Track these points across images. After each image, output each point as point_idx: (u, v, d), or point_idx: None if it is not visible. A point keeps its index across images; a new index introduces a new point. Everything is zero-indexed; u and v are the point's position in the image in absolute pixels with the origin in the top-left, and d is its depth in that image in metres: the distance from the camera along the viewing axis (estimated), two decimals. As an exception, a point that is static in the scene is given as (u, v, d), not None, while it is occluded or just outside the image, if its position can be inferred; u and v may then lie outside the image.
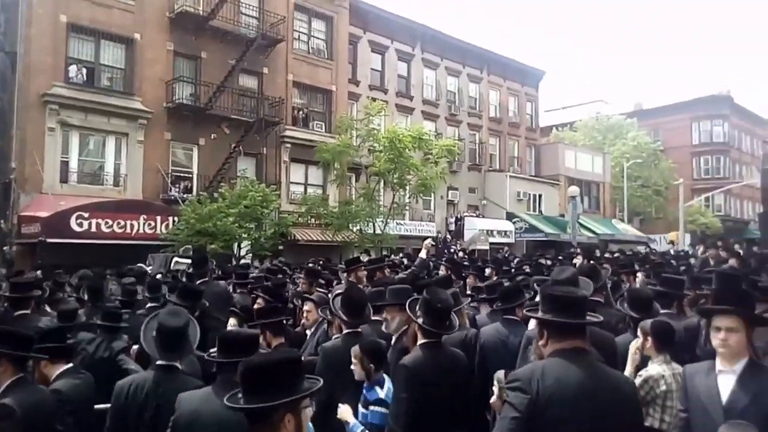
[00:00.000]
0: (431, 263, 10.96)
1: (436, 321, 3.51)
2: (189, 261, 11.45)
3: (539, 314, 2.62)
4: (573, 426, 2.33)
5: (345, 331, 4.18)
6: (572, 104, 50.24)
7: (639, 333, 3.78)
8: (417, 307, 3.65)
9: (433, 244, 8.64)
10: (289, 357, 2.24)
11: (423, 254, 7.72)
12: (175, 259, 13.05)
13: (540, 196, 33.52)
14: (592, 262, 11.47)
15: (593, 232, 32.57)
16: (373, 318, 4.45)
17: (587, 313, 2.62)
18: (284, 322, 4.65)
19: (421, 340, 3.54)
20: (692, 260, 13.37)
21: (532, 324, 4.03)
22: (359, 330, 4.16)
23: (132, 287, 6.83)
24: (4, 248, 16.93)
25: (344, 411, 3.52)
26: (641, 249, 26.07)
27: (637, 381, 3.52)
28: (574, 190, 26.68)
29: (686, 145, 46.86)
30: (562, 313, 2.52)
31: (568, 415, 2.33)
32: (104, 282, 8.61)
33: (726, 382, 2.88)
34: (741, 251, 15.33)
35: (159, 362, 3.23)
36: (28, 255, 15.99)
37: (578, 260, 12.16)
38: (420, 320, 3.51)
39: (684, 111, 46.81)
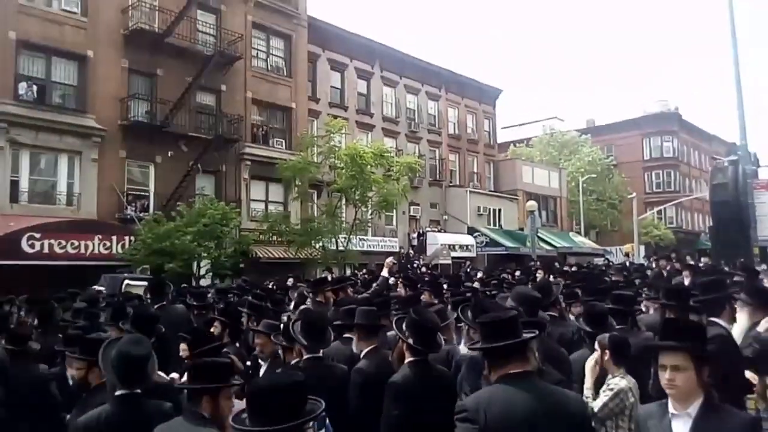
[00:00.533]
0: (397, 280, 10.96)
1: (423, 340, 3.55)
2: (142, 283, 11.07)
3: (477, 344, 2.66)
4: None
5: (305, 356, 4.05)
6: (528, 121, 51.41)
7: (597, 347, 3.77)
8: (404, 326, 3.69)
9: (395, 262, 8.64)
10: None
11: (385, 272, 7.69)
12: (126, 281, 12.42)
13: (500, 210, 34.04)
14: (551, 276, 11.73)
15: (552, 245, 33.17)
16: (345, 336, 4.44)
17: (522, 331, 2.62)
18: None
19: (408, 359, 3.59)
20: (648, 272, 13.71)
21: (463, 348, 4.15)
22: (320, 354, 4.09)
23: (94, 311, 6.59)
24: (-52, 272, 16.14)
25: None
26: (599, 261, 26.70)
27: (608, 394, 3.53)
28: (532, 204, 27.16)
29: (638, 160, 48.53)
30: (497, 338, 2.54)
31: None
32: (55, 307, 8.32)
33: (681, 428, 2.53)
34: (693, 262, 15.90)
35: (119, 392, 3.09)
36: (-25, 279, 15.30)
37: (540, 274, 12.39)
38: (410, 340, 3.56)
39: (635, 127, 48.58)
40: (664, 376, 2.55)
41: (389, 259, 8.00)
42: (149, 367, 3.20)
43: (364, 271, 17.34)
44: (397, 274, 13.18)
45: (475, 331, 3.39)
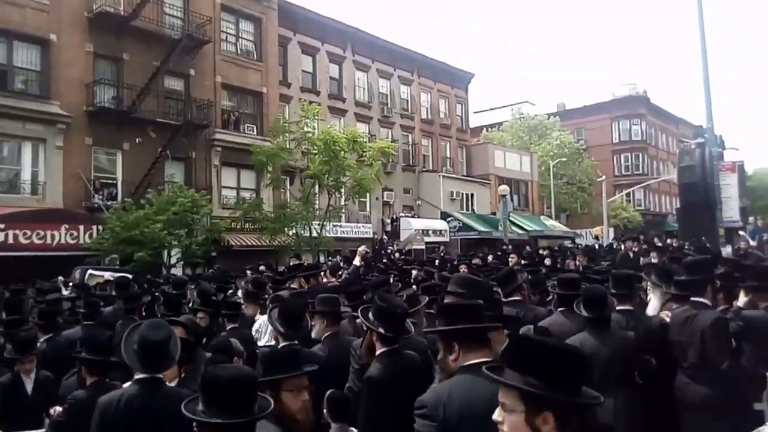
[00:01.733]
0: (371, 266, 10.99)
1: (394, 327, 3.39)
2: (105, 273, 10.86)
3: (443, 327, 2.55)
4: None
5: (282, 343, 4.05)
6: (500, 105, 51.62)
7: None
8: (370, 315, 3.51)
9: (368, 251, 8.64)
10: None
11: (357, 261, 7.69)
12: (90, 271, 12.09)
13: (472, 195, 34.25)
14: (523, 261, 11.86)
15: (523, 229, 33.55)
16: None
17: (485, 320, 2.59)
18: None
19: (380, 349, 3.41)
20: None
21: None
22: (296, 342, 4.08)
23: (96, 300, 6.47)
24: None
25: None
26: (567, 243, 27.13)
27: None
28: (504, 189, 27.42)
29: (607, 143, 49.22)
30: (467, 321, 2.49)
31: None
32: (23, 298, 8.14)
33: None
34: (660, 243, 16.24)
35: (140, 376, 3.12)
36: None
37: (513, 259, 12.50)
38: (380, 329, 3.39)
39: (604, 111, 49.19)
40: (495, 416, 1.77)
41: (362, 248, 8.00)
42: (171, 350, 3.19)
43: (338, 257, 17.32)
44: (373, 262, 13.25)
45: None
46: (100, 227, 16.96)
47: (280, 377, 2.54)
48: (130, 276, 10.07)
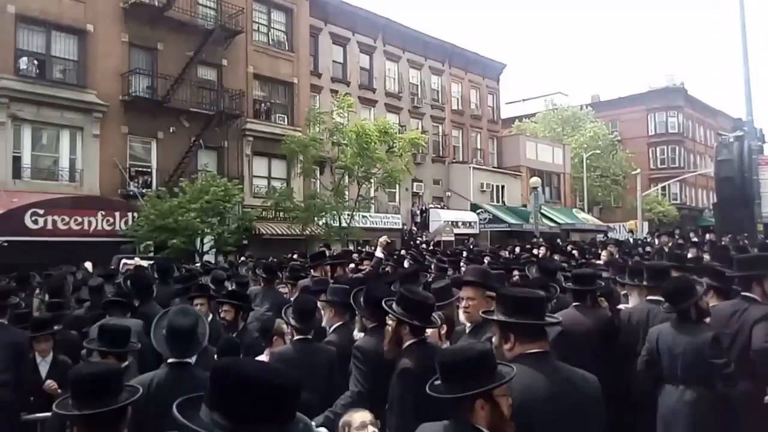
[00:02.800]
0: (397, 256, 10.98)
1: (425, 318, 3.35)
2: (136, 259, 11.06)
3: (501, 317, 2.56)
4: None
5: (296, 337, 4.10)
6: (532, 96, 50.98)
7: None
8: (396, 307, 3.42)
9: (389, 241, 8.59)
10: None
11: (378, 252, 7.66)
12: (123, 260, 12.26)
13: (503, 187, 33.94)
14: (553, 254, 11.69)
15: (555, 222, 33.14)
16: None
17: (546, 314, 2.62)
18: None
19: (410, 340, 3.32)
20: (648, 249, 13.66)
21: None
22: (309, 336, 4.11)
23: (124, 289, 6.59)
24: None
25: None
26: (600, 237, 26.70)
27: None
28: (535, 180, 27.07)
29: (642, 135, 48.11)
30: (528, 316, 2.51)
31: (535, 424, 2.31)
32: (65, 281, 8.37)
33: None
34: (696, 239, 15.85)
35: (171, 360, 3.25)
36: (-20, 255, 15.37)
37: (542, 251, 12.35)
38: (414, 320, 3.33)
39: (640, 102, 48.05)
40: None
41: (382, 238, 7.94)
42: (198, 336, 3.29)
43: (366, 248, 17.36)
44: (396, 252, 13.21)
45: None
46: (135, 214, 17.29)
47: (499, 384, 2.18)
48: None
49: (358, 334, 4.13)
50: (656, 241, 15.39)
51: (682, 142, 48.29)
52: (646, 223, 33.73)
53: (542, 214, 29.75)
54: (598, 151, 40.63)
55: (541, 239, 20.05)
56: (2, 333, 4.71)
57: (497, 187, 33.61)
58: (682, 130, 48.49)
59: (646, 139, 48.28)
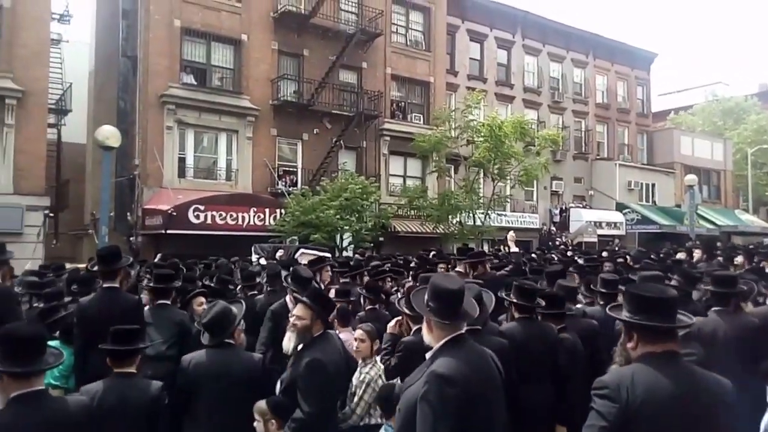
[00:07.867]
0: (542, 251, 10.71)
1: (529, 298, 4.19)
2: (316, 253, 11.65)
3: (625, 316, 2.46)
4: None
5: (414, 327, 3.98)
6: (689, 87, 46.85)
7: None
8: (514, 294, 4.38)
9: (514, 237, 8.54)
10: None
11: (513, 247, 7.65)
12: (302, 250, 13.12)
13: (653, 185, 31.61)
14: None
15: (713, 224, 30.30)
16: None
17: (678, 313, 2.46)
18: None
19: (518, 315, 4.37)
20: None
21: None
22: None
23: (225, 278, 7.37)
24: (131, 239, 18.36)
25: None
26: (767, 241, 23.83)
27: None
28: (691, 178, 24.73)
29: (822, 128, 42.12)
30: (653, 316, 2.37)
31: (659, 425, 2.24)
32: (232, 271, 9.13)
33: None
34: None
35: (210, 342, 3.93)
36: (152, 245, 17.28)
37: (696, 254, 11.28)
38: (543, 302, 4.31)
39: (819, 90, 42.16)
40: None
41: (510, 234, 7.91)
42: (226, 324, 3.91)
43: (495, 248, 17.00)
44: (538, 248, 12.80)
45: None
46: (282, 211, 18.40)
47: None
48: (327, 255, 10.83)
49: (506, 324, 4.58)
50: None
51: None
52: (826, 227, 29.56)
53: (699, 215, 27.25)
54: (765, 146, 36.33)
55: (697, 242, 18.33)
56: (168, 312, 5.23)
57: (647, 185, 31.34)
58: None
59: (825, 131, 42.19)
